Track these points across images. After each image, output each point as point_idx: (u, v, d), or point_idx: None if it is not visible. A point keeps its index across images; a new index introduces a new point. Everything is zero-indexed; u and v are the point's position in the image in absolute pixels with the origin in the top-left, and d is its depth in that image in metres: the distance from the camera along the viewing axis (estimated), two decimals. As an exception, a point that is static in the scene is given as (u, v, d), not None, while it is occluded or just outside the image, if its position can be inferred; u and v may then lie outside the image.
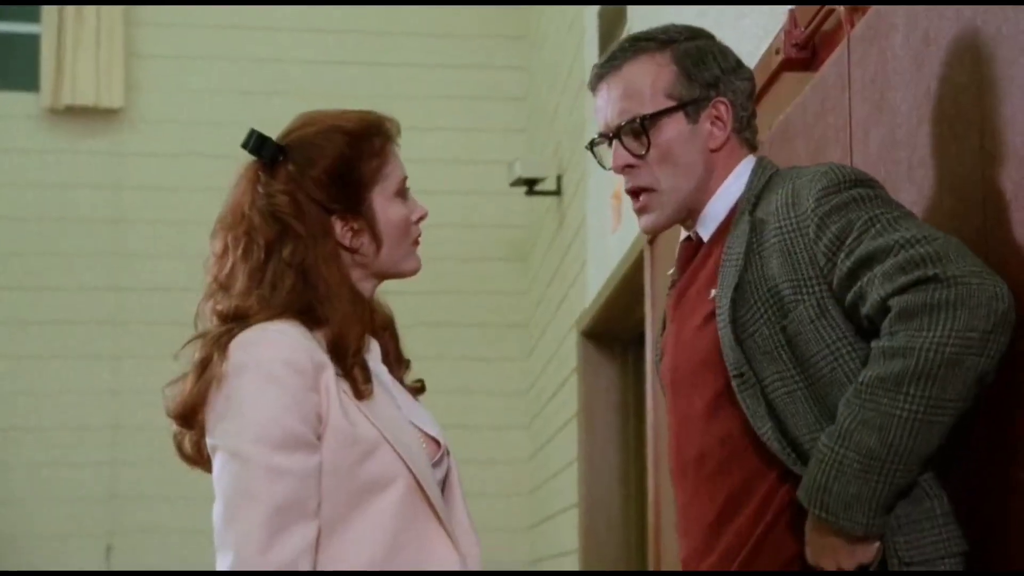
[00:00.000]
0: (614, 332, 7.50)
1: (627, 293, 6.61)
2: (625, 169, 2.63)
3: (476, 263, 9.60)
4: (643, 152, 2.59)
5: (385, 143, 2.55)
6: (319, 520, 2.36)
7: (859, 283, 2.35)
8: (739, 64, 2.65)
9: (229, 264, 2.48)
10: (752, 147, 2.67)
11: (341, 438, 2.38)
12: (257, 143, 2.55)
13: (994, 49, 2.47)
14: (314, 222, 2.47)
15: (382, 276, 2.55)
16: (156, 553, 9.00)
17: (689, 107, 2.59)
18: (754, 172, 2.60)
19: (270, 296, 2.44)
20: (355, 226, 2.49)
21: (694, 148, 2.60)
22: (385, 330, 2.61)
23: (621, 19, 6.61)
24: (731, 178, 2.61)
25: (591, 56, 7.29)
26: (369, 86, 9.52)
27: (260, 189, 2.51)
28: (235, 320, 2.43)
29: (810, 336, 2.40)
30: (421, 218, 2.57)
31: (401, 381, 2.61)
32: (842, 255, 2.37)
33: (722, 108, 2.60)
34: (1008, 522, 2.36)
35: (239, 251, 2.48)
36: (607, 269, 6.93)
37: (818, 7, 3.51)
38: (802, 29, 3.63)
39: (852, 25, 3.22)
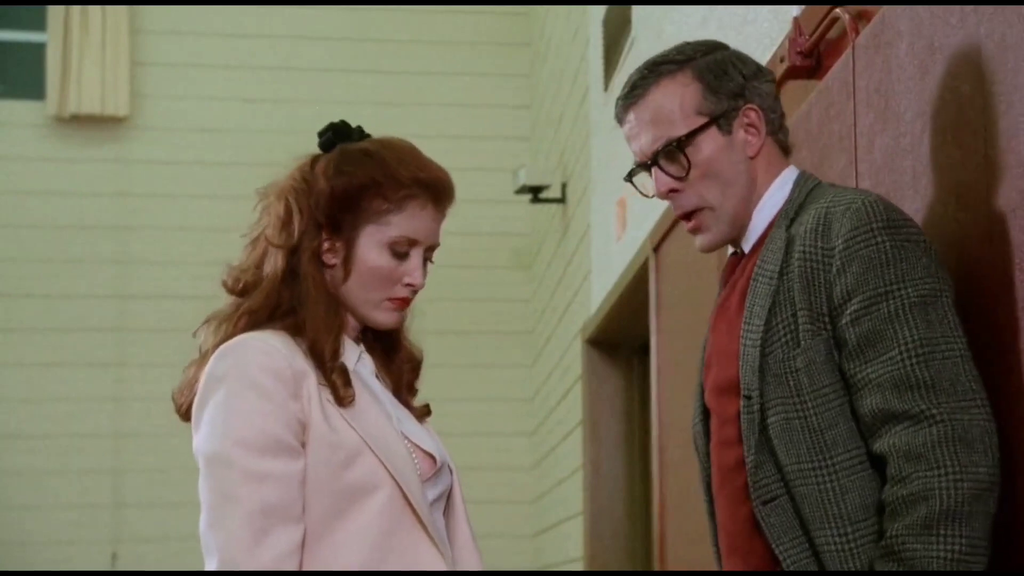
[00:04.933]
0: (619, 340, 7.50)
1: (632, 301, 6.61)
2: (669, 194, 2.62)
3: (480, 271, 9.59)
4: (684, 174, 2.58)
5: (416, 196, 2.52)
6: (303, 525, 2.38)
7: (853, 364, 2.37)
8: (759, 68, 2.64)
9: (253, 237, 2.55)
10: (787, 151, 2.66)
11: (323, 444, 2.40)
12: (332, 137, 2.57)
13: (999, 57, 2.47)
14: (311, 219, 2.50)
15: (354, 316, 2.55)
16: (162, 561, 9.00)
17: (721, 120, 2.58)
18: (796, 184, 2.59)
19: (264, 278, 2.50)
20: (336, 244, 2.50)
21: (734, 159, 2.59)
22: (407, 363, 2.63)
23: (626, 27, 6.62)
24: (773, 188, 2.60)
25: (595, 64, 7.29)
26: (374, 94, 9.53)
27: (295, 179, 2.52)
28: (234, 292, 2.52)
29: (823, 368, 2.40)
30: (411, 285, 2.53)
31: (409, 405, 2.63)
32: (848, 315, 2.38)
33: (752, 114, 2.59)
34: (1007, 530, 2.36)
35: (258, 224, 2.54)
36: (612, 277, 6.93)
37: (822, 16, 3.51)
38: (807, 37, 3.63)
39: (857, 33, 3.22)
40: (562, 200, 8.47)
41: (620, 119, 2.66)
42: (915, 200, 2.76)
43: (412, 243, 2.53)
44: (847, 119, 3.20)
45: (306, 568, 2.38)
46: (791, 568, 2.41)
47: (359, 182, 2.50)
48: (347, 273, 2.51)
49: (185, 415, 2.50)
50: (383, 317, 2.54)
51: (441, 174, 2.56)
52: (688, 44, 2.66)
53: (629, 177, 2.68)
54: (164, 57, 9.54)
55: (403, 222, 2.51)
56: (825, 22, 3.50)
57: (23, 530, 9.05)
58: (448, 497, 2.59)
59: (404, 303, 2.54)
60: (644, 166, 2.64)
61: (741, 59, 2.64)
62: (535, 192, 8.52)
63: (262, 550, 2.34)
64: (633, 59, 6.43)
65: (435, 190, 2.54)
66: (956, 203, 2.62)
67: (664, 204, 5.65)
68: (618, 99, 2.68)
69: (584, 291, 7.76)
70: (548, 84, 9.12)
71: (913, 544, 2.26)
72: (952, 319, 2.35)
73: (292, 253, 2.50)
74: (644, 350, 6.78)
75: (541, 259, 9.30)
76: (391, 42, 9.70)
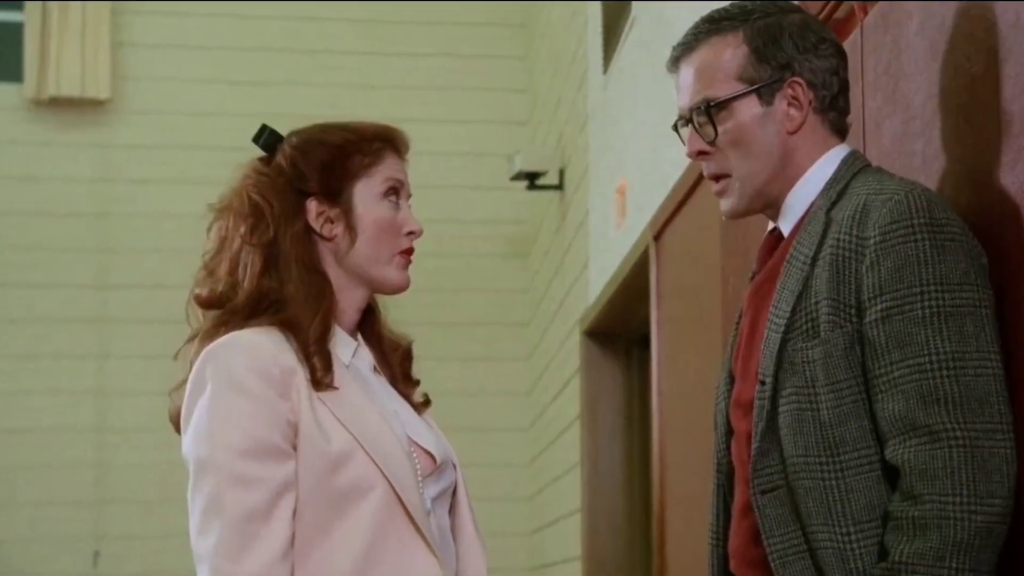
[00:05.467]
0: (618, 331, 7.50)
1: (632, 290, 6.61)
2: (699, 155, 2.61)
3: (475, 260, 9.59)
4: (713, 137, 2.57)
5: (384, 148, 2.60)
6: (294, 530, 2.39)
7: (877, 363, 2.35)
8: (820, 40, 2.58)
9: (214, 249, 2.54)
10: (840, 131, 2.61)
11: (313, 445, 2.41)
12: (268, 137, 2.61)
13: (1013, 36, 2.46)
14: (286, 202, 2.53)
15: (365, 281, 2.58)
16: (145, 559, 9.00)
17: (762, 89, 2.55)
18: (843, 163, 2.55)
19: (242, 280, 2.51)
20: (331, 214, 2.55)
21: (769, 132, 2.56)
22: (395, 351, 2.66)
23: (626, 7, 6.61)
24: (815, 168, 2.56)
25: (595, 45, 7.29)
26: (363, 76, 9.52)
27: (251, 176, 2.55)
28: (211, 306, 2.52)
29: (840, 363, 2.38)
30: (413, 233, 2.59)
31: (409, 398, 2.65)
32: (876, 312, 2.35)
33: (798, 88, 2.55)
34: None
35: (221, 236, 2.55)
36: (611, 266, 6.93)
37: (830, -6, 3.50)
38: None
39: (865, 13, 3.22)
40: (559, 187, 8.47)
41: (670, 68, 2.66)
42: (925, 185, 2.75)
43: (399, 186, 2.60)
44: (855, 102, 3.19)
45: (299, 574, 2.39)
46: (775, 563, 2.41)
47: (336, 144, 2.58)
48: (353, 235, 2.55)
49: (176, 421, 2.51)
50: (395, 275, 2.59)
51: (390, 125, 2.66)
52: (754, 3, 2.62)
53: (675, 128, 2.67)
54: (147, 37, 9.52)
55: (385, 169, 2.59)
56: (832, 2, 3.49)
57: (4, 527, 9.05)
58: (453, 494, 2.60)
59: (410, 254, 2.60)
60: (685, 120, 2.63)
61: (804, 28, 2.59)
62: (531, 178, 8.51)
63: (249, 558, 2.35)
64: (633, 40, 6.42)
65: (395, 139, 2.63)
66: (970, 189, 2.61)
67: (664, 191, 5.67)
68: (673, 47, 2.66)
69: (582, 281, 7.76)
70: (545, 66, 9.12)
71: (922, 573, 2.26)
72: (989, 333, 2.32)
73: (270, 245, 2.51)
74: (644, 342, 6.78)
75: (538, 248, 9.30)
76: (380, 22, 9.68)
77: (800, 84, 2.56)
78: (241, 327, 2.47)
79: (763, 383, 2.45)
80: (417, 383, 2.69)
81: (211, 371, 2.43)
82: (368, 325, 2.65)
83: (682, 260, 5.57)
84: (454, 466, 2.61)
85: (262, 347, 2.43)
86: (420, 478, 2.50)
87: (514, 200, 9.43)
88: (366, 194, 2.57)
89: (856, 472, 2.37)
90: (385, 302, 2.68)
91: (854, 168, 2.54)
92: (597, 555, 7.62)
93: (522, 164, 8.44)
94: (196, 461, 2.41)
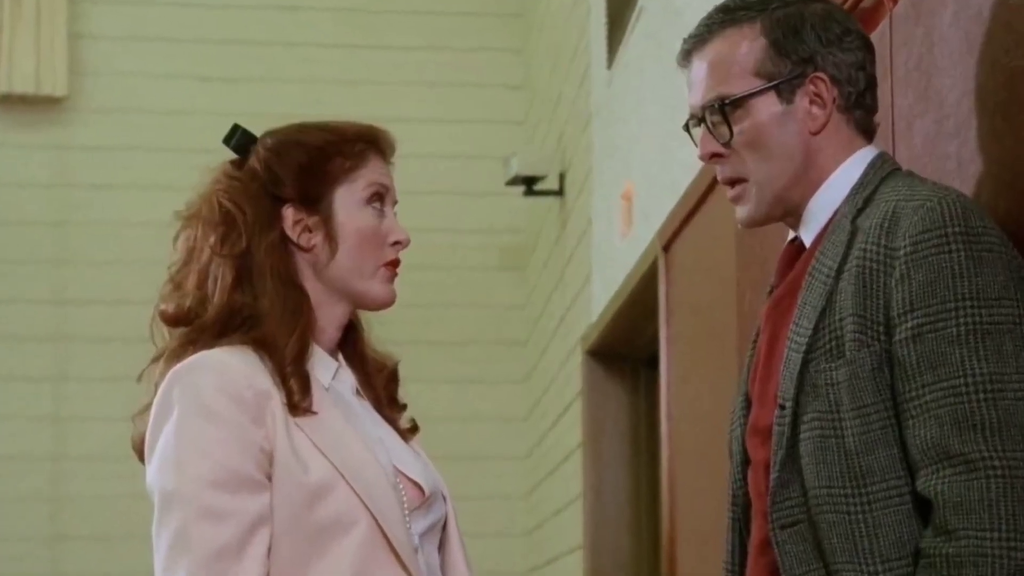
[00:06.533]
0: (624, 351, 7.50)
1: (639, 306, 6.62)
2: (712, 158, 2.61)
3: (467, 272, 9.59)
4: (728, 139, 2.57)
5: (367, 149, 2.61)
6: (269, 568, 2.38)
7: (908, 385, 2.34)
8: (845, 32, 2.59)
9: (182, 261, 2.55)
10: (867, 131, 2.61)
11: (290, 475, 2.41)
12: (241, 138, 2.62)
13: (1055, 29, 2.47)
14: (260, 210, 2.54)
15: (347, 295, 2.58)
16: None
17: (782, 85, 2.55)
18: (870, 167, 2.55)
19: (211, 294, 2.51)
20: (309, 222, 2.55)
21: (789, 131, 2.56)
22: (380, 373, 2.67)
23: (632, -5, 6.62)
24: (839, 171, 2.56)
25: (598, 37, 7.30)
26: (345, 71, 9.52)
27: (221, 181, 2.56)
28: (178, 323, 2.52)
29: (867, 385, 2.38)
30: (399, 243, 2.59)
31: (395, 424, 2.65)
32: (907, 329, 2.35)
33: (821, 84, 2.55)
34: None
35: (189, 246, 2.54)
36: (616, 279, 6.93)
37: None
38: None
39: (894, 2, 3.22)
40: (560, 192, 8.48)
41: (680, 62, 2.66)
42: (959, 191, 2.75)
43: (384, 192, 2.60)
44: (883, 100, 3.20)
45: None
46: None
47: (315, 145, 2.58)
48: (334, 246, 2.56)
49: (140, 449, 2.51)
50: (380, 289, 2.59)
51: (374, 125, 2.65)
52: None
53: (687, 128, 2.68)
54: (107, 29, 9.52)
55: (368, 173, 2.59)
56: (858, -11, 3.50)
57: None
58: (443, 529, 2.60)
59: (396, 266, 2.60)
60: (697, 120, 2.63)
61: (827, 18, 2.59)
62: (529, 183, 8.52)
63: None
64: (640, 31, 6.43)
65: (379, 140, 2.63)
66: (1009, 195, 2.61)
67: (675, 197, 5.67)
68: (684, 39, 2.66)
69: (584, 296, 7.77)
70: (544, 60, 9.13)
71: None
72: None
73: (242, 256, 2.51)
74: (652, 362, 6.78)
75: (536, 259, 9.31)
76: (363, 12, 9.68)
77: (823, 80, 2.56)
78: (211, 346, 2.48)
79: (783, 407, 2.45)
80: (404, 407, 2.69)
81: (178, 394, 2.43)
82: (350, 344, 2.65)
83: (694, 273, 5.58)
84: (444, 498, 2.61)
85: (234, 368, 2.43)
86: (407, 511, 2.50)
87: (510, 207, 9.43)
88: (348, 200, 2.57)
89: (884, 505, 2.36)
90: (369, 319, 2.68)
91: (882, 172, 2.55)
92: (601, 596, 7.63)
93: (519, 167, 8.44)
94: (161, 493, 2.41)
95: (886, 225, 2.40)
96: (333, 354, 2.60)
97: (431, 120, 9.51)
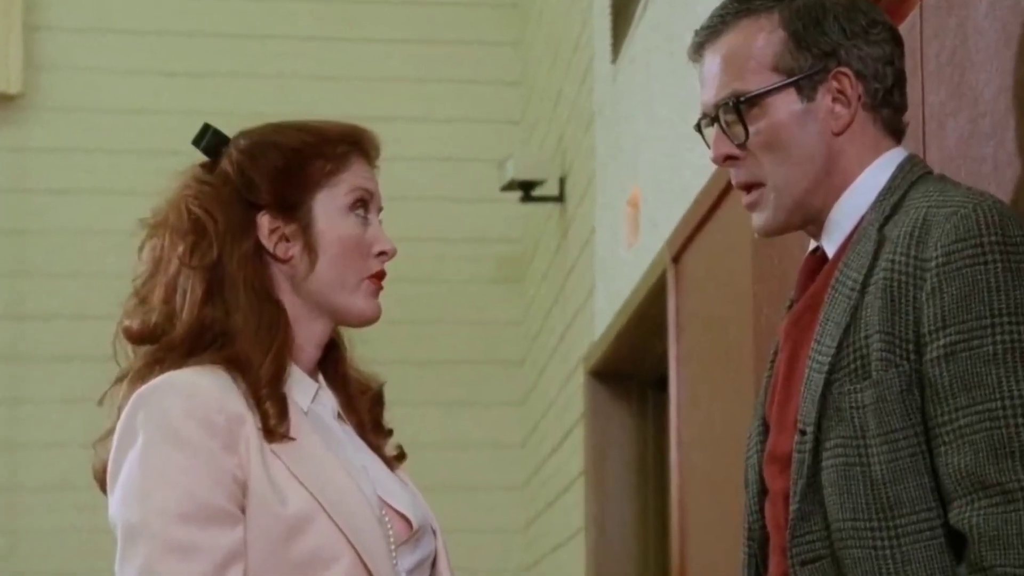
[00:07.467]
0: (630, 371, 7.51)
1: (646, 322, 6.62)
2: (726, 160, 2.61)
3: (459, 286, 9.60)
4: (743, 139, 2.57)
5: (350, 152, 2.60)
6: None
7: (940, 409, 2.34)
8: (871, 23, 2.58)
9: (147, 273, 2.54)
10: (895, 131, 2.61)
11: (265, 507, 2.41)
12: (211, 139, 2.62)
13: (1100, 20, 2.47)
14: (232, 217, 2.54)
15: (328, 310, 2.58)
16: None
17: (802, 81, 2.56)
18: (898, 170, 2.55)
19: (180, 309, 2.51)
20: (286, 230, 2.54)
21: (810, 131, 2.56)
22: (364, 395, 2.67)
23: (638, -16, 6.63)
24: (865, 175, 2.56)
25: (602, 29, 7.30)
26: (324, 66, 9.52)
27: (191, 186, 2.56)
28: (143, 341, 2.52)
29: (895, 408, 2.37)
30: (384, 253, 2.59)
31: (380, 451, 2.65)
32: (939, 347, 2.35)
33: (844, 80, 2.55)
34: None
35: (156, 256, 2.54)
36: (621, 293, 6.94)
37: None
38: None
39: (924, -10, 3.23)
40: (560, 198, 8.48)
41: (692, 56, 2.66)
42: (996, 196, 2.75)
43: (368, 198, 2.60)
44: (914, 96, 3.20)
45: None
46: None
47: (292, 147, 2.58)
48: (313, 257, 2.55)
49: (102, 478, 2.51)
50: (364, 304, 2.58)
51: (357, 125, 2.65)
52: None
53: (698, 128, 2.68)
54: (66, 21, 9.53)
55: (351, 177, 2.59)
56: (885, -23, 3.51)
57: None
58: (433, 565, 2.60)
59: (381, 279, 2.60)
60: (710, 119, 2.63)
61: (852, 8, 2.58)
62: (526, 188, 8.52)
63: None
64: (647, 23, 6.44)
65: (363, 141, 2.63)
66: (1049, 200, 2.62)
67: (685, 203, 5.67)
68: (696, 30, 2.66)
69: (587, 311, 7.77)
70: (543, 54, 9.14)
71: None
72: None
73: (213, 268, 2.51)
74: (661, 384, 6.78)
75: (534, 271, 9.31)
76: (342, 2, 9.69)
77: (847, 75, 2.56)
78: (179, 366, 2.47)
79: (803, 433, 2.45)
80: (390, 433, 2.69)
81: (143, 418, 2.42)
82: (331, 364, 2.65)
83: (706, 286, 5.58)
84: (434, 532, 2.61)
85: (204, 390, 2.43)
86: (393, 546, 2.50)
87: (505, 214, 9.44)
88: (328, 207, 2.57)
89: (914, 539, 2.36)
90: (352, 336, 2.68)
91: (912, 176, 2.55)
92: (605, 639, 7.63)
93: (515, 171, 8.45)
94: (125, 526, 2.41)
95: (916, 234, 2.40)
96: (313, 375, 2.60)
97: (419, 119, 9.51)
